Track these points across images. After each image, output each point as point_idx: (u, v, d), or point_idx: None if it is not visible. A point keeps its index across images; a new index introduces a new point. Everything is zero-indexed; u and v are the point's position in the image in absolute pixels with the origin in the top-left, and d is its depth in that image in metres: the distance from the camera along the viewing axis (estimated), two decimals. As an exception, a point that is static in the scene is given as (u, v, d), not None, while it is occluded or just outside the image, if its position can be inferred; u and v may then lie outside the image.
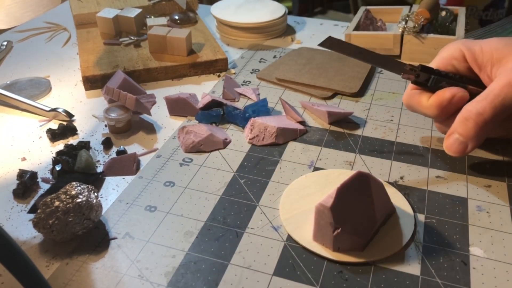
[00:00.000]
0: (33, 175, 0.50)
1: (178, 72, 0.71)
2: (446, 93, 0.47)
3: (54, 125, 0.60)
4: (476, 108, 0.44)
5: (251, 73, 0.71)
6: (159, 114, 0.61)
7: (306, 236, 0.42)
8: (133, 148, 0.55)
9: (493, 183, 0.49)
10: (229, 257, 0.41)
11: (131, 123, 0.59)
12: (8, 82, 0.69)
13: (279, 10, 0.84)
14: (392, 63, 0.49)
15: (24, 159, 0.54)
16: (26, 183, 0.49)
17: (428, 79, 0.47)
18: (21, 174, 0.50)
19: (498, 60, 0.46)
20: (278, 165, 0.52)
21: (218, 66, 0.72)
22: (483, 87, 0.47)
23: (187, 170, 0.51)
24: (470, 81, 0.48)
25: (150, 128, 0.59)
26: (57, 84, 0.69)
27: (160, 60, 0.71)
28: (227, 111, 0.59)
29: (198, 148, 0.54)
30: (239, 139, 0.56)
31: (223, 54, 0.72)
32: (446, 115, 0.48)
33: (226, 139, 0.56)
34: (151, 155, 0.54)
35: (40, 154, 0.55)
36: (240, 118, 0.58)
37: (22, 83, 0.69)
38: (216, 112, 0.59)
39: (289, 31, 0.86)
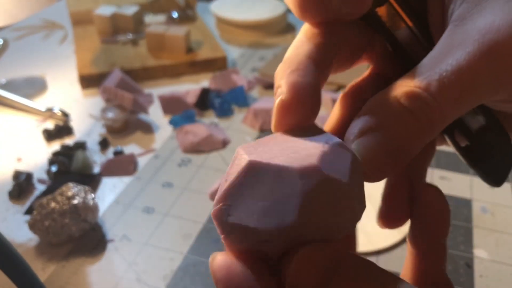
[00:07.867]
0: (29, 176, 0.49)
1: (176, 70, 0.70)
2: None
3: (50, 125, 0.59)
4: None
5: (251, 71, 0.70)
6: (157, 113, 0.61)
7: None
8: (130, 148, 0.54)
9: (497, 184, 0.48)
10: (228, 259, 0.40)
11: (129, 122, 0.58)
12: (3, 81, 0.68)
13: (280, 7, 0.84)
14: None
15: (19, 159, 0.53)
16: (21, 184, 0.48)
17: None
18: (17, 175, 0.49)
19: None
20: (278, 165, 0.51)
21: (217, 65, 0.71)
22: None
23: (185, 171, 0.50)
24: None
25: (147, 128, 0.58)
26: (53, 83, 0.68)
27: (158, 58, 0.70)
28: (211, 96, 0.61)
29: (197, 148, 0.53)
30: (239, 139, 0.55)
31: (222, 52, 0.71)
32: None
33: (225, 139, 0.55)
34: (149, 155, 0.53)
35: (36, 155, 0.54)
36: (217, 109, 0.60)
37: (18, 82, 0.68)
38: (190, 113, 0.58)
39: (289, 28, 0.86)
